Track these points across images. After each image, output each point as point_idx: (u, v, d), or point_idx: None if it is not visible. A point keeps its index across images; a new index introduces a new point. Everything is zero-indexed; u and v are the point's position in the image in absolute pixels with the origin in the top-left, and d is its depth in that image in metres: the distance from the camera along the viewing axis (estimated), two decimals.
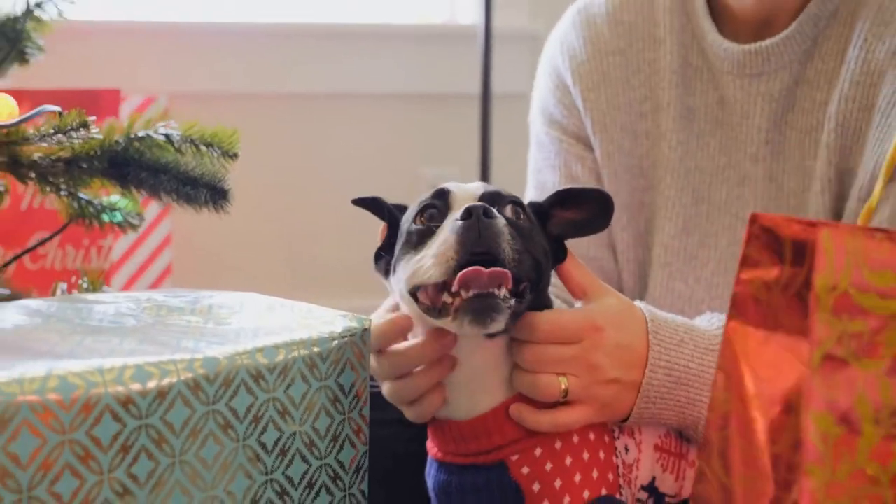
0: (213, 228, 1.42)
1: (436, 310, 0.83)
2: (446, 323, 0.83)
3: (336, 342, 0.80)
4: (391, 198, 0.93)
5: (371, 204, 0.91)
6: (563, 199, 0.93)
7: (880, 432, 0.56)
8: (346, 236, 1.81)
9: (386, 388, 0.91)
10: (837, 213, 1.11)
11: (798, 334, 0.58)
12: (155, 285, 1.71)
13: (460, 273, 0.80)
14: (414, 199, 0.91)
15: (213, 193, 1.00)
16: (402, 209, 0.92)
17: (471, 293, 0.80)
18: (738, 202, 1.16)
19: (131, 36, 1.59)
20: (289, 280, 1.71)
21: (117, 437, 0.67)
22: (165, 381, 0.69)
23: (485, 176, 1.99)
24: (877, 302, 0.58)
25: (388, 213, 0.91)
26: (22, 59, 1.17)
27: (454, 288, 0.81)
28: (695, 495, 0.61)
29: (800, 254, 0.59)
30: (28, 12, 1.13)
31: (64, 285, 1.07)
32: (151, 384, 0.69)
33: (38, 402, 0.64)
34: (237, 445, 0.74)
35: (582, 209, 0.94)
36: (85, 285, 1.08)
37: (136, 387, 0.68)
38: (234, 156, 1.05)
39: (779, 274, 0.61)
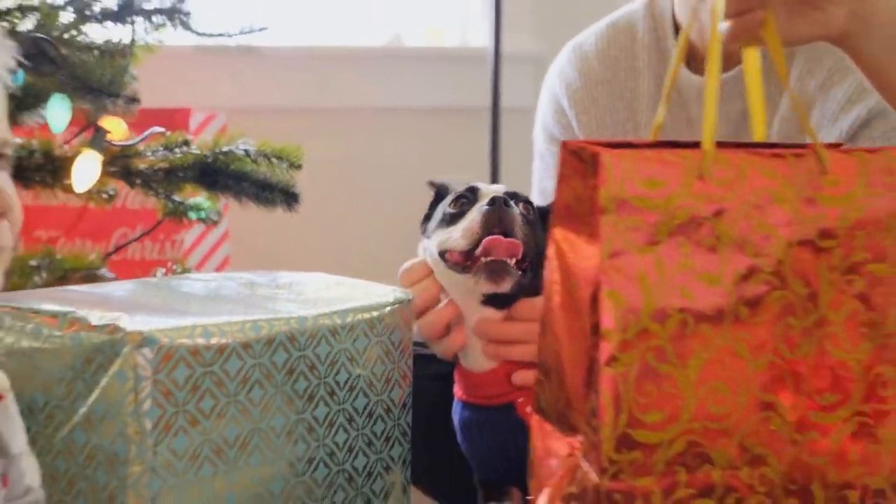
0: (264, 226, 1.69)
1: (460, 267, 1.10)
2: (466, 279, 1.10)
3: (388, 309, 1.07)
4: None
5: (438, 185, 1.20)
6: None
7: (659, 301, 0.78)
8: (380, 232, 2.07)
9: (420, 324, 1.17)
10: None
11: (596, 234, 0.78)
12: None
13: (485, 240, 1.08)
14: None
15: (286, 197, 1.28)
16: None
17: (489, 258, 1.07)
18: None
19: (194, 58, 1.85)
20: (330, 270, 1.98)
21: (239, 371, 0.95)
22: (273, 331, 0.97)
23: (494, 180, 2.25)
24: (648, 202, 0.78)
25: (438, 193, 1.19)
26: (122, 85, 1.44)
27: (477, 252, 1.08)
28: (539, 346, 0.85)
29: (594, 171, 0.79)
30: (132, 42, 1.39)
31: (162, 270, 1.34)
32: (262, 333, 0.96)
33: (189, 344, 0.92)
34: (319, 382, 1.01)
35: None
36: (179, 270, 1.35)
37: (252, 335, 0.96)
38: (299, 167, 1.33)
39: (582, 187, 0.80)
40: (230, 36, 1.34)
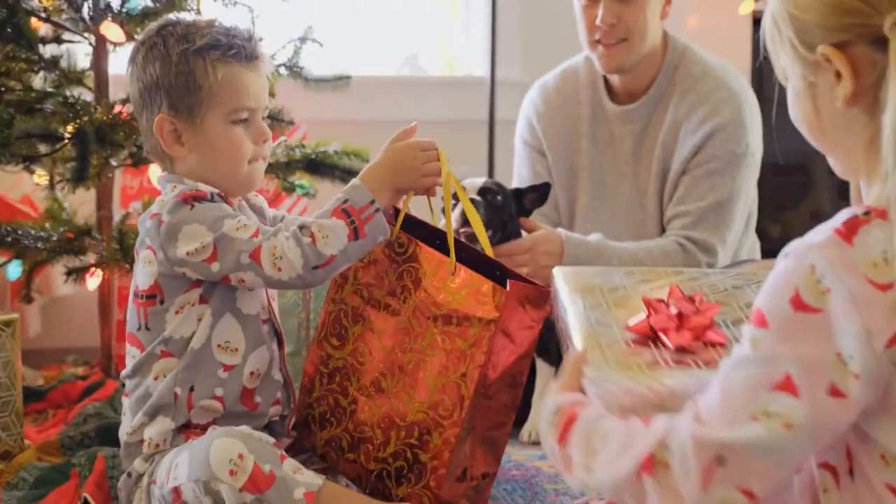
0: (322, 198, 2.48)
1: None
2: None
3: None
4: None
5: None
6: (529, 188, 2.03)
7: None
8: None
9: None
10: (661, 191, 2.20)
11: None
12: None
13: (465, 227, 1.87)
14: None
15: None
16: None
17: (461, 232, 1.84)
18: (618, 186, 2.25)
19: (290, 88, 2.56)
20: None
21: None
22: None
23: (490, 169, 3.03)
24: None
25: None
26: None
27: (462, 231, 1.82)
28: None
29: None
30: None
31: None
32: None
33: None
34: None
35: (538, 193, 2.03)
36: None
37: None
38: (367, 161, 2.15)
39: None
40: (326, 81, 2.16)
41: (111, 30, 1.92)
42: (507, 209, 1.98)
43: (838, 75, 0.96)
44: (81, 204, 2.27)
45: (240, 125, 1.49)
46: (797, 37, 0.98)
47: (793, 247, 0.93)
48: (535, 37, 3.17)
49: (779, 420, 0.89)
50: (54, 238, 1.97)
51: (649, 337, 1.17)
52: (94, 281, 2.06)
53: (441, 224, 1.53)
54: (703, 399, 0.94)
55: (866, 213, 0.92)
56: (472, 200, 1.86)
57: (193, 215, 1.43)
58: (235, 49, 1.46)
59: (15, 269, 2.19)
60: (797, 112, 1.02)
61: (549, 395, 1.09)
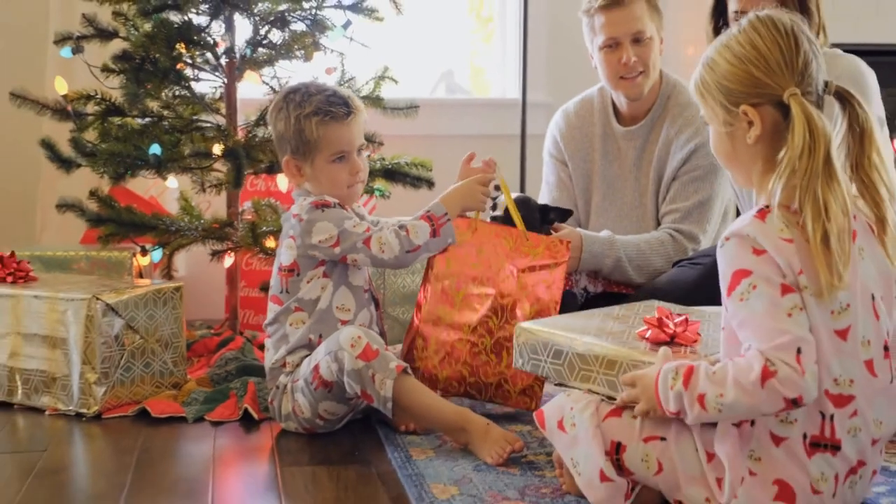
0: (395, 198, 3.12)
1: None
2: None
3: None
4: None
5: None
6: (554, 208, 2.65)
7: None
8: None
9: None
10: (657, 193, 2.84)
11: None
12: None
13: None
14: None
15: (427, 183, 2.77)
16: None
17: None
18: (623, 190, 2.88)
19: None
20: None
21: None
22: None
23: (522, 176, 3.66)
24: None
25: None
26: None
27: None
28: None
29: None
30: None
31: None
32: None
33: None
34: None
35: (559, 214, 2.66)
36: None
37: None
38: (430, 170, 2.81)
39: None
40: (399, 109, 2.82)
41: (251, 77, 2.60)
42: (532, 217, 2.59)
43: (751, 123, 1.60)
44: (203, 203, 2.94)
45: (338, 163, 2.17)
46: (725, 98, 1.63)
47: (729, 233, 1.56)
48: (558, 66, 3.82)
49: (796, 306, 1.47)
50: (200, 228, 2.64)
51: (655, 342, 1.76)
52: (228, 260, 2.74)
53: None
54: (750, 339, 1.46)
55: (766, 207, 1.57)
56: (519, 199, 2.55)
57: (324, 216, 2.12)
58: (332, 114, 2.14)
59: (157, 253, 2.87)
60: (718, 145, 1.67)
61: (654, 374, 1.54)
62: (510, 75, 3.91)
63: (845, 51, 2.57)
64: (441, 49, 3.98)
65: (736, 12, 2.44)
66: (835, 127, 1.61)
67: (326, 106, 2.15)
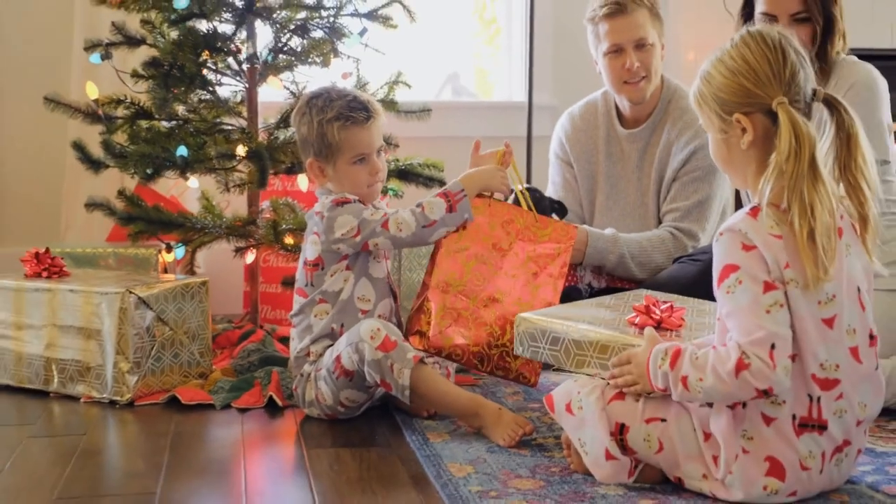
0: (408, 197, 3.26)
1: None
2: None
3: None
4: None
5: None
6: (556, 201, 2.80)
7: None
8: None
9: None
10: (658, 193, 2.97)
11: None
12: None
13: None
14: None
15: (439, 183, 2.90)
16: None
17: None
18: (626, 190, 3.02)
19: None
20: None
21: None
22: None
23: (528, 175, 3.79)
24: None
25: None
26: None
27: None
28: None
29: None
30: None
31: None
32: None
33: None
34: None
35: (559, 210, 2.80)
36: None
37: None
38: (442, 171, 2.95)
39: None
40: (413, 112, 2.95)
41: (273, 82, 2.74)
42: (543, 207, 2.76)
43: (744, 130, 1.74)
44: (222, 202, 3.07)
45: (358, 164, 2.30)
46: (720, 108, 1.76)
47: (724, 228, 1.70)
48: (563, 70, 3.96)
49: (777, 303, 1.61)
50: (224, 226, 2.78)
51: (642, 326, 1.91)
52: (250, 257, 2.88)
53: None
54: (733, 330, 1.60)
55: (758, 205, 1.71)
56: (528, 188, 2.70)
57: (343, 211, 2.25)
58: (353, 118, 2.28)
59: (180, 250, 3.00)
60: (715, 151, 1.81)
61: (645, 353, 1.71)
62: (516, 79, 4.05)
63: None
64: (446, 51, 4.11)
65: (763, 13, 2.56)
66: (824, 131, 1.74)
67: (347, 111, 2.28)
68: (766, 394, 1.61)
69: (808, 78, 1.73)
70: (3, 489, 1.85)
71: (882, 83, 2.57)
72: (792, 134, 1.66)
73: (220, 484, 1.91)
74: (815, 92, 1.73)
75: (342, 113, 2.28)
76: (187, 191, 3.34)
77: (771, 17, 2.53)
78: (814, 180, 1.66)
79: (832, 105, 1.73)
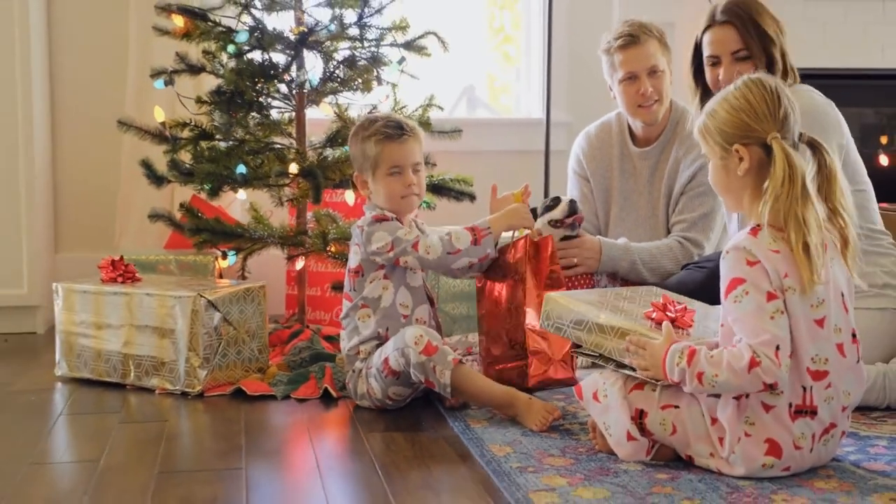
0: (440, 209, 3.56)
1: (557, 223, 2.99)
2: (559, 231, 3.01)
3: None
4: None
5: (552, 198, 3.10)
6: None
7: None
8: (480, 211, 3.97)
9: None
10: (667, 206, 3.28)
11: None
12: None
13: (575, 215, 2.98)
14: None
15: (469, 197, 3.21)
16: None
17: (571, 221, 2.96)
18: (638, 202, 3.31)
19: None
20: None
21: None
22: None
23: (546, 187, 4.07)
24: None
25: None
26: None
27: (567, 220, 2.95)
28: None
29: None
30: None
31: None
32: None
33: None
34: None
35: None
36: None
37: None
38: (471, 185, 3.26)
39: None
40: (445, 132, 3.26)
41: (325, 108, 3.05)
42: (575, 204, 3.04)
43: (741, 159, 2.05)
44: (266, 213, 3.38)
45: (394, 176, 2.61)
46: (722, 139, 2.07)
47: (729, 247, 2.00)
48: (576, 90, 4.26)
49: (778, 311, 1.92)
50: (276, 235, 3.09)
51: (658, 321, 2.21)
52: (300, 263, 3.19)
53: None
54: (740, 333, 1.91)
55: (757, 225, 2.01)
56: (571, 202, 3.00)
57: (380, 228, 2.56)
58: (388, 135, 2.59)
59: (233, 257, 3.31)
60: (714, 177, 2.11)
61: (661, 348, 1.99)
62: (534, 97, 4.35)
63: (820, 76, 2.99)
64: (462, 65, 4.40)
65: (708, 56, 2.84)
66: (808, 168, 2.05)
67: (383, 129, 2.60)
68: (770, 387, 1.92)
69: (796, 121, 2.04)
70: (111, 466, 2.16)
71: (822, 103, 2.75)
72: (786, 162, 1.97)
73: (295, 460, 2.22)
74: (800, 135, 2.04)
75: (379, 130, 2.59)
76: (234, 202, 3.65)
77: (714, 59, 2.83)
78: (805, 201, 1.96)
79: (815, 146, 2.04)
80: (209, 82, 3.37)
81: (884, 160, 4.30)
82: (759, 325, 1.92)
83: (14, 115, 3.55)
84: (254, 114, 3.04)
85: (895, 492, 1.93)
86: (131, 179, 3.78)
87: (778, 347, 1.91)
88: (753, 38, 2.76)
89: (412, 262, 2.56)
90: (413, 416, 2.53)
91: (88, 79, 3.95)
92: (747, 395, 1.98)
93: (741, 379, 1.91)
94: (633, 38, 3.12)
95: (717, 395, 2.02)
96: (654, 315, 2.19)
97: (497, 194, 2.77)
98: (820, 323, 1.98)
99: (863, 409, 2.45)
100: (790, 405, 1.97)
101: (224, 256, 3.22)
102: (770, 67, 2.74)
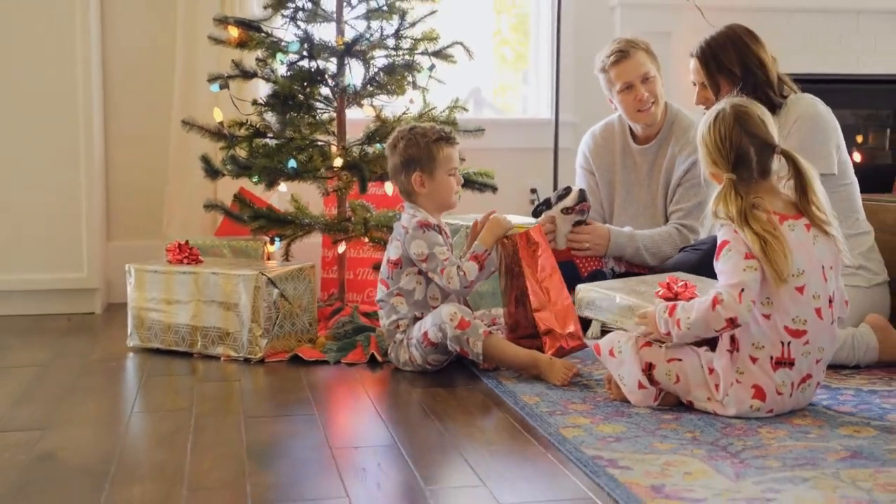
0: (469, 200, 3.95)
1: (568, 210, 3.42)
2: (569, 217, 3.43)
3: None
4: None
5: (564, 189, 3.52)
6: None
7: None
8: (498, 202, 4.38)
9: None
10: (665, 196, 3.69)
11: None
12: None
13: (582, 203, 3.41)
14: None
15: (492, 189, 3.62)
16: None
17: (577, 208, 3.40)
18: (639, 194, 3.72)
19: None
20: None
21: None
22: None
23: (554, 183, 4.49)
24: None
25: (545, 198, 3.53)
26: None
27: (577, 207, 3.38)
28: None
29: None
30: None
31: None
32: None
33: None
34: None
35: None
36: None
37: None
38: (493, 177, 3.66)
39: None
40: (469, 131, 3.66)
41: (367, 108, 3.46)
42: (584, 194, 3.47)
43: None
44: (303, 202, 3.78)
45: (451, 176, 3.01)
46: (704, 164, 2.49)
47: (723, 221, 2.42)
48: (582, 92, 4.67)
49: (751, 267, 2.33)
50: (322, 223, 3.49)
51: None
52: (342, 247, 3.60)
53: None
54: (721, 280, 2.33)
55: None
56: (581, 191, 3.42)
57: (423, 235, 2.96)
58: (450, 139, 2.99)
59: (278, 243, 3.71)
60: (708, 177, 2.53)
61: (654, 309, 2.45)
62: (543, 99, 4.77)
63: (814, 81, 3.40)
64: (468, 69, 4.78)
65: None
66: (787, 175, 2.45)
67: (444, 134, 2.99)
68: (732, 322, 2.33)
69: (762, 146, 2.42)
70: (203, 413, 2.55)
71: (823, 111, 3.16)
72: (729, 199, 2.39)
73: (358, 411, 2.62)
74: (774, 147, 2.44)
75: (443, 136, 2.99)
76: (275, 193, 4.05)
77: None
78: (744, 227, 2.34)
79: (789, 157, 2.45)
80: (253, 86, 3.77)
81: (857, 157, 4.72)
82: (733, 273, 2.33)
83: (76, 121, 3.92)
84: (303, 115, 3.44)
85: (857, 426, 2.35)
86: (178, 174, 4.17)
87: (742, 290, 2.31)
88: (717, 73, 3.17)
89: (436, 279, 2.94)
90: (450, 376, 2.93)
91: (138, 85, 4.34)
92: (738, 349, 2.38)
93: (706, 315, 2.31)
94: (623, 52, 3.54)
95: (711, 347, 2.43)
96: (661, 293, 2.61)
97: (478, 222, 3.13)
98: (800, 290, 2.39)
99: (835, 367, 2.87)
100: (771, 357, 2.38)
101: (272, 242, 3.62)
102: (746, 89, 3.08)
